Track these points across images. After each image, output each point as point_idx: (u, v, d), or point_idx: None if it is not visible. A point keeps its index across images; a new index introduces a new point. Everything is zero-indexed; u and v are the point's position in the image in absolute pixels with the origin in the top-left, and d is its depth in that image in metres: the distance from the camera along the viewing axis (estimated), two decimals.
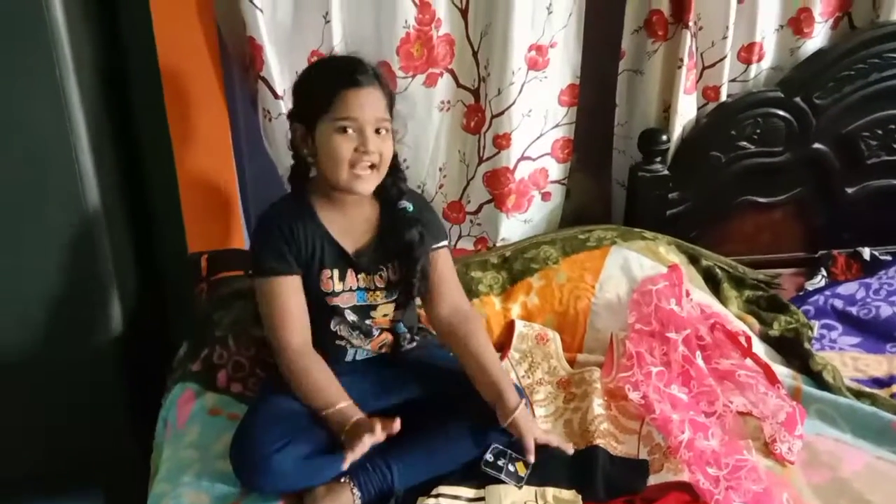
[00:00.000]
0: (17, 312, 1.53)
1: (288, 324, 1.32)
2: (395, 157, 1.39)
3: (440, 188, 1.88)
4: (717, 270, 1.79)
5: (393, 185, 1.39)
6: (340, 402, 1.28)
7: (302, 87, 1.36)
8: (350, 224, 1.38)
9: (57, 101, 1.42)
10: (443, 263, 1.45)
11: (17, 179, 1.44)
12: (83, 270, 1.53)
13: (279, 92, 1.65)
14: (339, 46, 1.65)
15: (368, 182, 1.33)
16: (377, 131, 1.31)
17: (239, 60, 1.70)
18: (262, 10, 1.58)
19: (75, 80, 1.44)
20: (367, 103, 1.29)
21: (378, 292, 1.39)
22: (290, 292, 1.33)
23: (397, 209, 1.39)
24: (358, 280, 1.37)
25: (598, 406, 1.44)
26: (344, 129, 1.29)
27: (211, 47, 1.65)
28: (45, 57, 1.39)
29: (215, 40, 1.66)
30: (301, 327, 1.34)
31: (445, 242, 1.47)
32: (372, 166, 1.32)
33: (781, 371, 1.55)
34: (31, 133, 1.43)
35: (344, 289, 1.37)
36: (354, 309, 1.38)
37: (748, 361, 1.54)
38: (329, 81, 1.31)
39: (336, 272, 1.36)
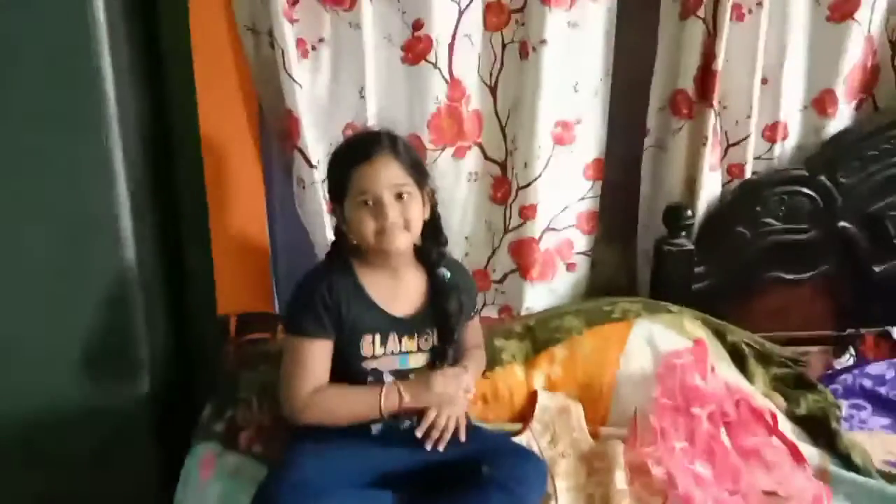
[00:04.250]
0: (49, 366, 1.56)
1: (305, 384, 1.35)
2: (436, 220, 1.44)
3: (466, 256, 1.91)
4: (744, 346, 1.77)
5: (432, 250, 1.44)
6: (377, 396, 1.34)
7: (329, 170, 1.44)
8: (394, 289, 1.42)
9: (102, 164, 1.49)
10: (474, 329, 1.53)
11: (59, 238, 1.50)
12: (116, 328, 1.56)
13: (313, 161, 1.71)
14: (372, 120, 1.72)
15: (398, 239, 1.36)
16: (399, 196, 1.35)
17: (276, 131, 1.77)
18: (300, 85, 1.66)
19: (120, 146, 1.50)
20: (379, 172, 1.34)
21: (420, 355, 1.42)
22: (316, 355, 1.36)
23: (436, 275, 1.44)
24: (401, 344, 1.40)
25: (620, 481, 1.41)
26: (364, 203, 1.34)
27: (250, 117, 1.73)
28: (94, 122, 1.46)
29: (255, 111, 1.74)
30: (316, 387, 1.36)
31: (478, 309, 1.54)
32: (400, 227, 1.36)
33: (808, 451, 1.52)
34: (75, 193, 1.49)
35: (385, 353, 1.39)
36: (394, 372, 1.40)
37: (774, 440, 1.52)
38: (344, 164, 1.37)
39: (378, 336, 1.39)
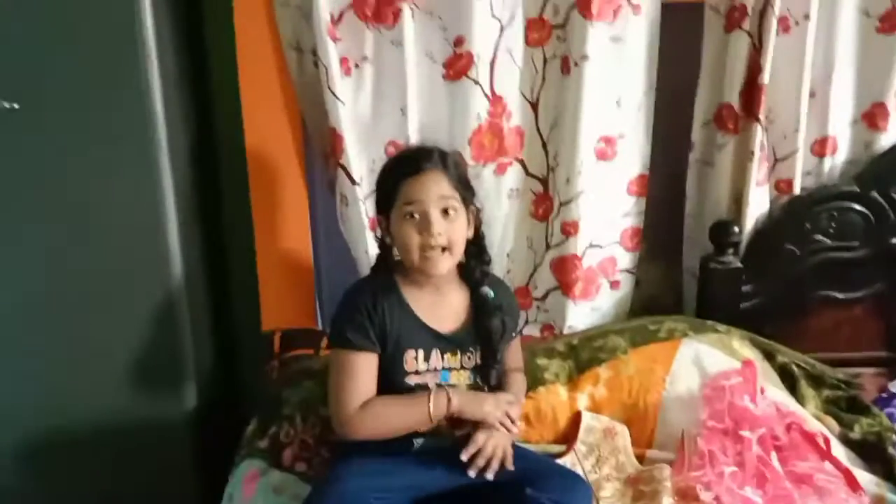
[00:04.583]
0: (96, 380, 1.60)
1: (353, 398, 1.34)
2: (480, 238, 1.44)
3: (507, 273, 1.90)
4: (794, 368, 1.73)
5: (476, 268, 1.44)
6: (425, 402, 1.32)
7: (378, 182, 1.45)
8: (437, 306, 1.42)
9: (150, 183, 1.52)
10: (514, 351, 1.51)
11: (107, 254, 1.53)
12: (163, 343, 1.59)
13: (356, 178, 1.72)
14: (414, 137, 1.72)
15: (440, 264, 1.36)
16: (445, 212, 1.35)
17: (320, 148, 1.78)
18: (343, 103, 1.67)
19: (169, 165, 1.54)
20: (427, 185, 1.35)
21: (462, 372, 1.41)
22: (363, 368, 1.35)
23: (479, 294, 1.43)
24: (444, 360, 1.40)
25: None
26: (410, 215, 1.35)
27: (294, 135, 1.75)
28: (143, 143, 1.50)
29: (299, 129, 1.76)
30: (365, 399, 1.35)
31: (520, 331, 1.52)
32: (443, 249, 1.35)
33: (864, 477, 1.47)
34: (123, 211, 1.53)
35: (428, 368, 1.39)
36: (437, 387, 1.39)
37: (827, 465, 1.47)
38: (393, 176, 1.39)
39: (421, 352, 1.38)
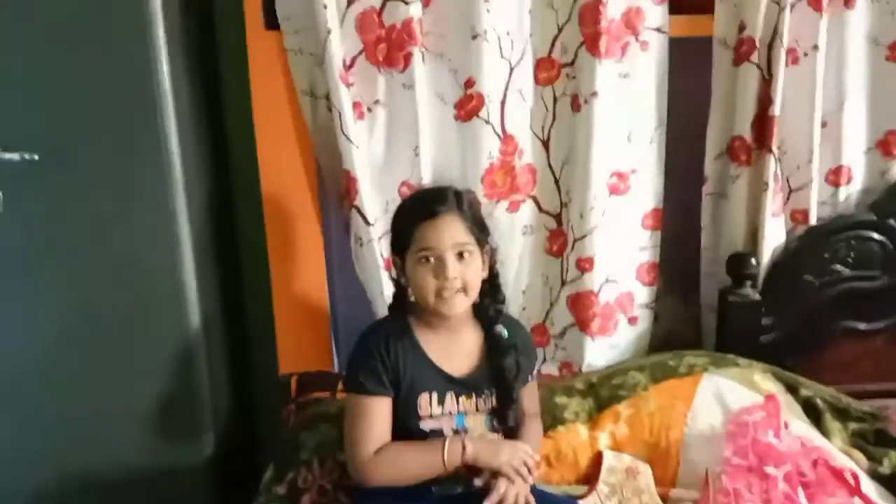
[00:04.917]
0: (116, 429, 1.60)
1: (367, 443, 1.33)
2: (495, 277, 1.44)
3: (523, 311, 1.89)
4: (818, 401, 1.70)
5: (490, 307, 1.43)
6: (439, 449, 1.31)
7: (393, 223, 1.45)
8: (451, 348, 1.41)
9: (167, 230, 1.54)
10: (530, 394, 1.48)
11: (126, 304, 1.55)
12: (180, 391, 1.60)
13: (370, 220, 1.73)
14: (427, 178, 1.74)
15: (455, 305, 1.36)
16: (460, 255, 1.35)
17: (334, 190, 1.80)
18: (357, 146, 1.69)
19: (185, 211, 1.56)
20: (443, 231, 1.34)
21: (479, 415, 1.39)
22: (377, 413, 1.35)
23: (493, 333, 1.42)
24: (458, 403, 1.39)
25: None
26: (426, 259, 1.34)
27: (309, 179, 1.77)
28: (159, 187, 1.52)
29: (314, 172, 1.78)
30: (380, 445, 1.35)
31: (536, 373, 1.51)
32: (458, 290, 1.35)
33: None
34: (142, 261, 1.55)
35: (443, 412, 1.38)
36: (452, 432, 1.38)
37: (857, 501, 1.44)
38: (409, 218, 1.38)
39: (435, 395, 1.37)
